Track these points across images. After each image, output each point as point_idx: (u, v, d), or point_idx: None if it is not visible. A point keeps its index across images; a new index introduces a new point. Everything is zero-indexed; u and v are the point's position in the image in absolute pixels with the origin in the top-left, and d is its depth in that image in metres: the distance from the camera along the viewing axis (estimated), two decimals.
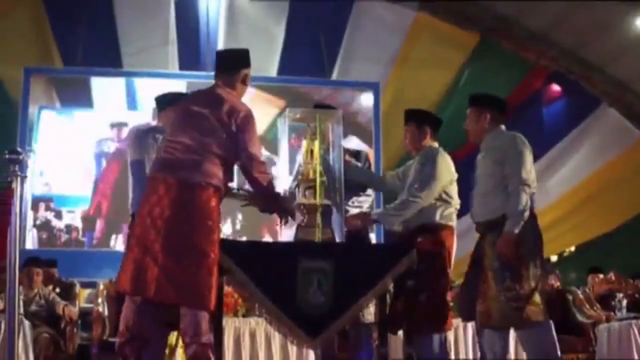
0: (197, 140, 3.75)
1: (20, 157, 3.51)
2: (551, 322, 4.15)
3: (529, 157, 4.19)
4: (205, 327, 3.67)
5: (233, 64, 4.05)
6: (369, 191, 5.01)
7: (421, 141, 4.70)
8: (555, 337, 4.15)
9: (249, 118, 3.87)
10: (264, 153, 9.29)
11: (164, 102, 4.58)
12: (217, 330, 3.98)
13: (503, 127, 4.39)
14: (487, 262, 4.14)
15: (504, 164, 4.19)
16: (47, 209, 8.94)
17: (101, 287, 6.68)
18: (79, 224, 9.02)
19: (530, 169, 4.17)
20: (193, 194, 3.66)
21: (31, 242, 8.81)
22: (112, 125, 9.25)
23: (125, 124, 9.19)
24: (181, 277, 3.58)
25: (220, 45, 9.77)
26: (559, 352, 4.13)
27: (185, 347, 3.78)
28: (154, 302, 3.67)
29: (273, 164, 8.15)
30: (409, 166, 4.75)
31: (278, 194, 4.09)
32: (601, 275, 8.33)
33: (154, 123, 5.24)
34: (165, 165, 3.75)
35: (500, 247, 4.07)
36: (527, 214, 4.08)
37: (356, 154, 5.01)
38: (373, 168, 6.36)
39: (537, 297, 4.03)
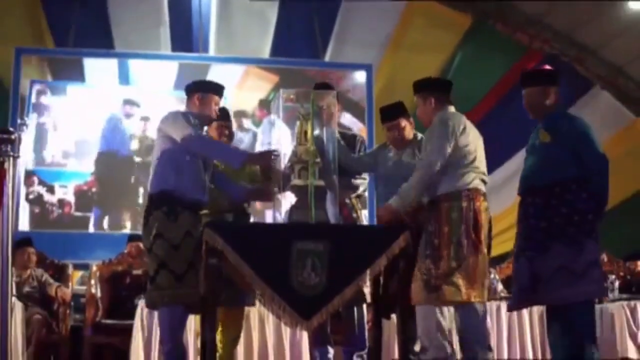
0: None
1: (13, 136, 3.45)
2: (478, 305, 4.09)
3: (444, 135, 4.13)
4: None
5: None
6: (365, 174, 5.00)
7: (404, 137, 4.74)
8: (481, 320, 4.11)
9: None
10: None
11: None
12: (210, 312, 3.98)
13: (451, 108, 4.36)
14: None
15: None
16: (40, 183, 8.91)
17: (94, 268, 6.68)
18: (71, 198, 8.98)
19: (442, 147, 4.11)
20: None
21: (23, 217, 8.77)
22: (125, 102, 9.24)
23: (137, 104, 9.24)
24: None
25: (213, 27, 9.72)
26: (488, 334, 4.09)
27: None
28: None
29: None
30: (391, 158, 4.76)
31: None
32: None
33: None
34: None
35: (379, 210, 4.20)
36: (415, 194, 4.14)
37: (352, 138, 5.00)
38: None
39: (456, 278, 4.01)
